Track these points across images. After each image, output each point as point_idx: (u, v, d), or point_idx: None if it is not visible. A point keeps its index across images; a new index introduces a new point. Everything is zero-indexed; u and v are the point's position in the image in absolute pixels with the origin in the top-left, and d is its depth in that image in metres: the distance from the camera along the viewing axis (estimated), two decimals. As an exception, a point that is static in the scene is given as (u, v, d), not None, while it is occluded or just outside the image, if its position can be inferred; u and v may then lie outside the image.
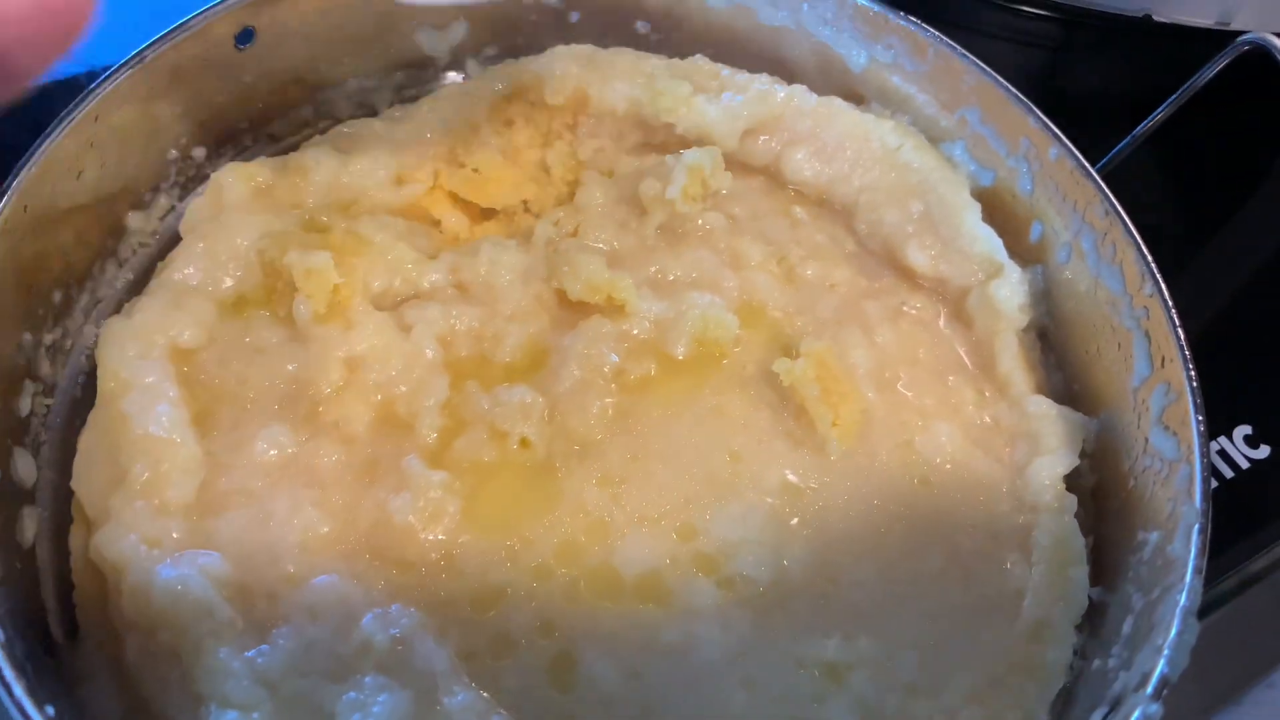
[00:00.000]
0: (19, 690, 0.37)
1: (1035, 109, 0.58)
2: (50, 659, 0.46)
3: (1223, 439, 0.67)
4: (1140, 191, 0.61)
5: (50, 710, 0.38)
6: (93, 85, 0.53)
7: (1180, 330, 0.51)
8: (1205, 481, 0.47)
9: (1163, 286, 0.52)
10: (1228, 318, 0.72)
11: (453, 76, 0.69)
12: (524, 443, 0.53)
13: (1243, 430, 0.68)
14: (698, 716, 0.46)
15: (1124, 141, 0.64)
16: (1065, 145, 0.57)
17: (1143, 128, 0.63)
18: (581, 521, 0.51)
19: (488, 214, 0.64)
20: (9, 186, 0.49)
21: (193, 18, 0.56)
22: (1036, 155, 0.59)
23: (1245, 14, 0.63)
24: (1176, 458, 0.49)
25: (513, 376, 0.56)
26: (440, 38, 0.67)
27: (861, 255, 0.63)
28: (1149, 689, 0.41)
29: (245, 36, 0.59)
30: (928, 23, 0.66)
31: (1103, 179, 0.58)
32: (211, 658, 0.44)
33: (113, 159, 0.56)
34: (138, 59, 0.54)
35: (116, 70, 0.54)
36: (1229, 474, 0.66)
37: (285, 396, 0.53)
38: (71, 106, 0.52)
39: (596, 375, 0.56)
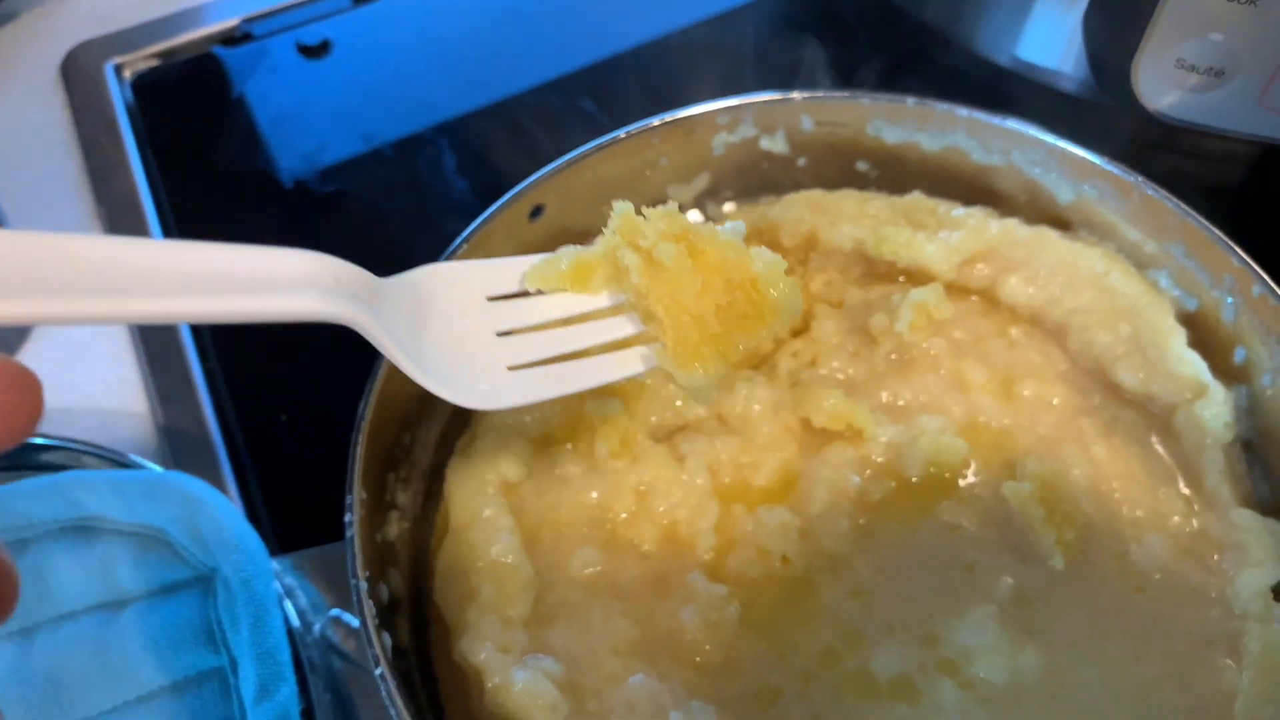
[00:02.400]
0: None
1: (1238, 249, 0.64)
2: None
3: None
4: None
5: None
6: (432, 270, 0.66)
7: (1384, 467, 0.56)
8: None
9: (1367, 424, 0.57)
10: None
11: (693, 215, 0.80)
12: (784, 559, 0.63)
13: None
14: (951, 805, 0.56)
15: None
16: (1268, 285, 0.63)
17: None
18: (838, 630, 0.61)
19: (732, 340, 0.75)
20: (377, 368, 0.62)
21: (501, 204, 0.69)
22: (1239, 291, 0.64)
23: None
24: (1382, 587, 0.55)
25: (769, 499, 0.66)
26: (685, 188, 0.78)
27: (1074, 373, 0.70)
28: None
29: (537, 212, 0.71)
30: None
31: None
32: (559, 747, 0.56)
33: (439, 321, 0.69)
34: (464, 242, 0.67)
35: (446, 258, 0.67)
36: None
37: (590, 520, 0.64)
38: (416, 290, 0.65)
39: (842, 497, 0.65)
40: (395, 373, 0.65)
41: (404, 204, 0.89)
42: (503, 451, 0.65)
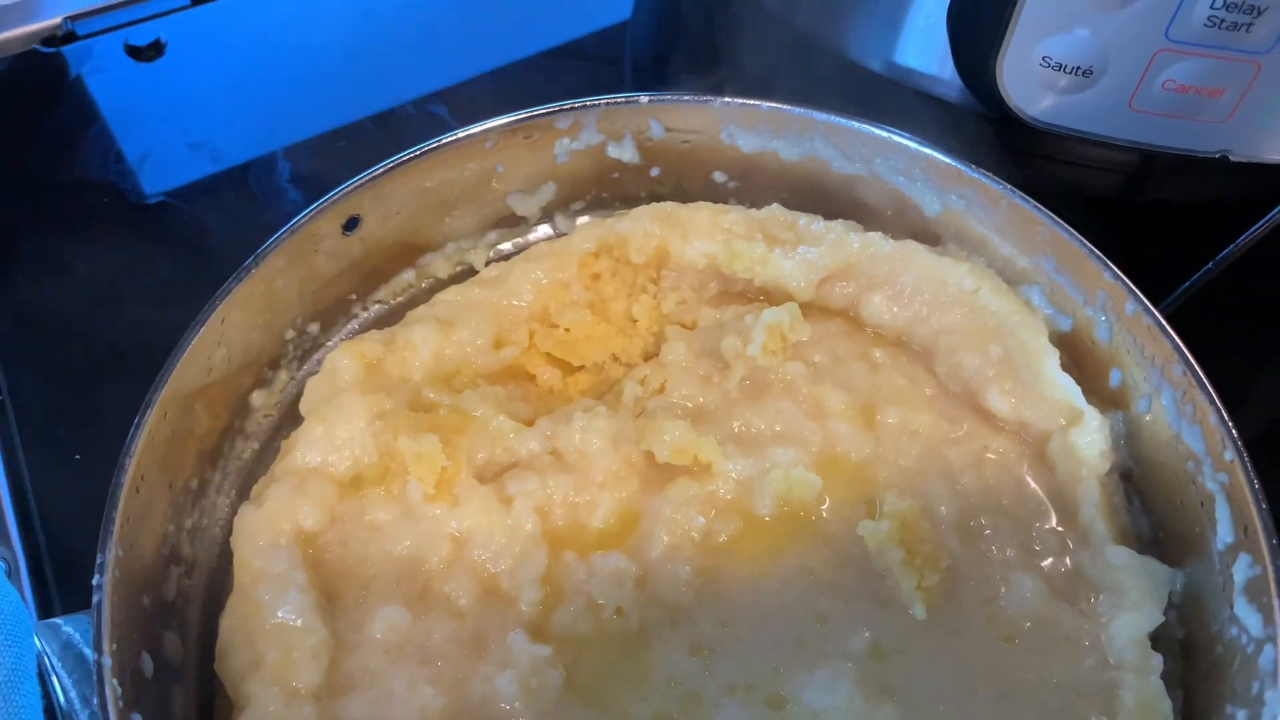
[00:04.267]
0: None
1: (1110, 264, 0.59)
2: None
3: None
4: (1212, 321, 0.61)
5: None
6: (219, 292, 0.58)
7: (1264, 501, 0.51)
8: (1290, 667, 0.47)
9: (1244, 454, 0.52)
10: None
11: (543, 229, 0.73)
12: (619, 612, 0.56)
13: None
14: None
15: (1197, 275, 0.64)
16: (1142, 301, 0.58)
17: (1215, 265, 0.63)
18: (675, 692, 0.54)
19: (580, 365, 0.68)
20: (150, 400, 0.54)
21: (301, 218, 0.61)
22: (1113, 308, 0.59)
23: (1327, 148, 0.62)
24: (1262, 636, 0.49)
25: (606, 543, 0.59)
26: (530, 200, 0.71)
27: (942, 398, 0.65)
28: None
29: (351, 224, 0.64)
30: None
31: (1175, 311, 0.59)
32: (345, 840, 0.48)
33: (238, 348, 0.61)
34: (254, 262, 0.59)
35: (238, 275, 0.59)
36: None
37: (401, 574, 0.57)
38: (202, 313, 0.58)
39: (685, 539, 0.59)
40: (189, 398, 0.58)
41: (231, 217, 0.80)
42: (301, 497, 0.57)
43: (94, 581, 0.49)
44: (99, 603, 0.49)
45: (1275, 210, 0.61)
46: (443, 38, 0.98)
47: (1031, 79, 0.62)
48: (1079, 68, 0.60)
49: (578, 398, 0.67)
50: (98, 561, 0.50)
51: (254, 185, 0.83)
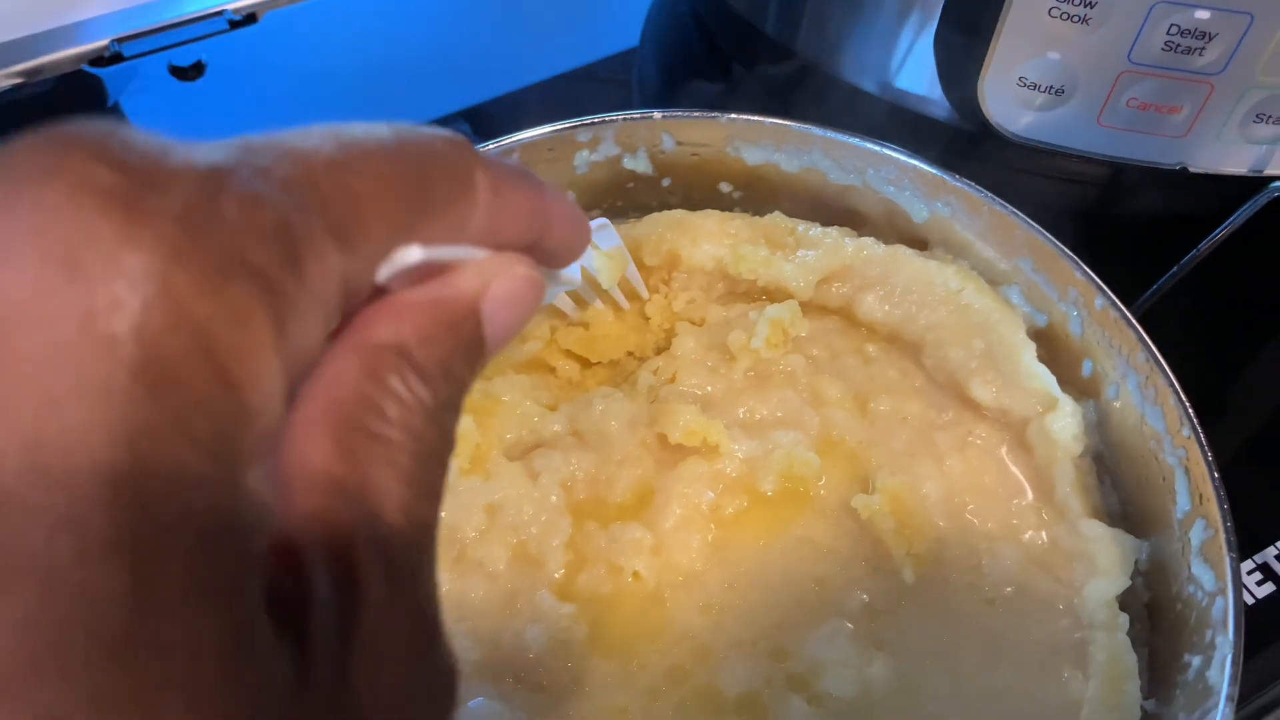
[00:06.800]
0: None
1: (1080, 263, 0.65)
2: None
3: (1280, 543, 0.72)
4: (1178, 324, 0.68)
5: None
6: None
7: (1215, 472, 0.57)
8: (1239, 614, 0.53)
9: (1199, 430, 0.58)
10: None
11: (562, 234, 0.80)
12: (636, 576, 0.62)
13: (1301, 535, 0.72)
14: (796, 823, 0.54)
15: (1162, 279, 0.70)
16: (1109, 296, 0.64)
17: (1178, 269, 0.69)
18: (687, 647, 0.60)
19: (597, 360, 0.74)
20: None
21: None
22: (1084, 304, 0.65)
23: (1278, 160, 0.69)
24: (1214, 590, 0.55)
25: (624, 515, 0.65)
26: (551, 207, 0.77)
27: (930, 389, 0.71)
28: (1184, 810, 0.48)
29: (392, 226, 0.70)
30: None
31: (1144, 315, 0.66)
32: (390, 773, 0.53)
33: (288, 338, 0.67)
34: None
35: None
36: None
37: (441, 541, 0.62)
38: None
39: (695, 512, 0.64)
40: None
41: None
42: (349, 470, 0.63)
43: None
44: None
45: (1233, 216, 0.67)
46: (464, 62, 1.05)
47: (1010, 98, 0.69)
48: (1052, 86, 0.67)
49: (595, 389, 0.72)
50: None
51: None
